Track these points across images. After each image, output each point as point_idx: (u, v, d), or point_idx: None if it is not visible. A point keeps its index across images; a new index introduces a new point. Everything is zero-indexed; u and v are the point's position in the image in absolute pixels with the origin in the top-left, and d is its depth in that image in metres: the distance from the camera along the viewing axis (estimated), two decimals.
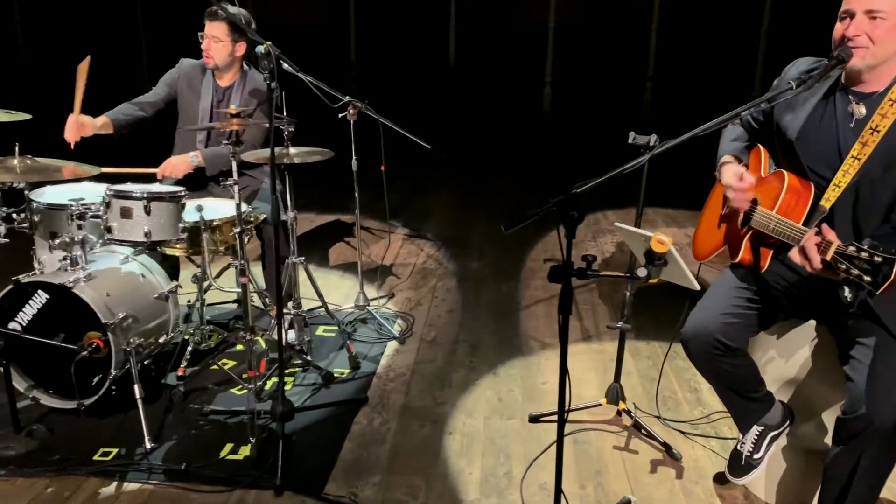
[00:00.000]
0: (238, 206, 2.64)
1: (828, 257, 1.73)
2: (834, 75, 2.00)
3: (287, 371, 3.15)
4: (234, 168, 2.62)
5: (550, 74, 10.76)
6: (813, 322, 2.25)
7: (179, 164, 3.24)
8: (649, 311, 3.85)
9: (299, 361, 3.13)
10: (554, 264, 1.90)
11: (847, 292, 1.80)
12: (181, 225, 2.77)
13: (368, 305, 3.69)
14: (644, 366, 3.33)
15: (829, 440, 2.17)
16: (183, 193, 2.76)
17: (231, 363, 3.18)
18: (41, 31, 10.83)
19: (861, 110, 1.96)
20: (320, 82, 3.30)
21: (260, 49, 3.22)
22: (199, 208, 2.77)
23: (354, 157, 3.49)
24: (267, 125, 3.56)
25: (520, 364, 3.33)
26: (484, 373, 3.23)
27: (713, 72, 9.99)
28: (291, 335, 3.16)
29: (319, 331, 3.54)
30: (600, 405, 2.88)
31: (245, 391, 2.84)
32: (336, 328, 3.55)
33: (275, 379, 3.09)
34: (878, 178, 1.93)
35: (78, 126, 3.11)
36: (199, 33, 3.19)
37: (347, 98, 3.36)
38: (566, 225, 1.84)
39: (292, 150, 2.97)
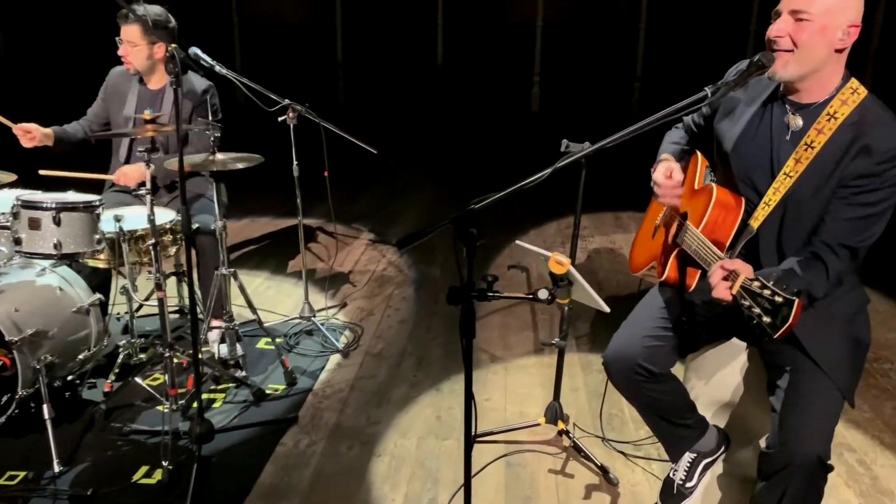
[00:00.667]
0: (151, 218, 2.50)
1: (734, 291, 1.59)
2: (770, 84, 1.86)
3: (219, 387, 3.02)
4: (148, 177, 2.49)
5: (539, 74, 10.60)
6: (743, 344, 2.12)
7: (132, 172, 3.11)
8: (606, 321, 3.71)
9: (229, 377, 2.99)
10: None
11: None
12: (96, 236, 2.64)
13: (314, 316, 3.55)
14: (594, 380, 3.19)
15: None
16: (97, 203, 2.63)
17: (161, 378, 3.05)
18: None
19: (797, 122, 1.82)
20: (256, 84, 3.17)
21: (195, 50, 3.14)
22: (118, 218, 2.64)
23: (296, 163, 3.35)
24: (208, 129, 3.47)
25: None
26: (426, 389, 3.10)
27: (702, 72, 9.79)
28: (223, 349, 3.03)
29: (260, 343, 3.41)
30: (539, 424, 2.75)
31: (168, 409, 2.71)
32: (279, 340, 3.44)
33: (204, 396, 2.96)
34: (806, 200, 1.79)
35: (23, 132, 3.04)
36: (117, 38, 3.05)
37: (286, 101, 3.23)
38: (465, 243, 1.71)
39: (219, 156, 2.83)
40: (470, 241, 1.70)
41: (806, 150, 1.78)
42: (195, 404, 2.82)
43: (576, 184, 2.66)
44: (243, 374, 3.05)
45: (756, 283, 1.53)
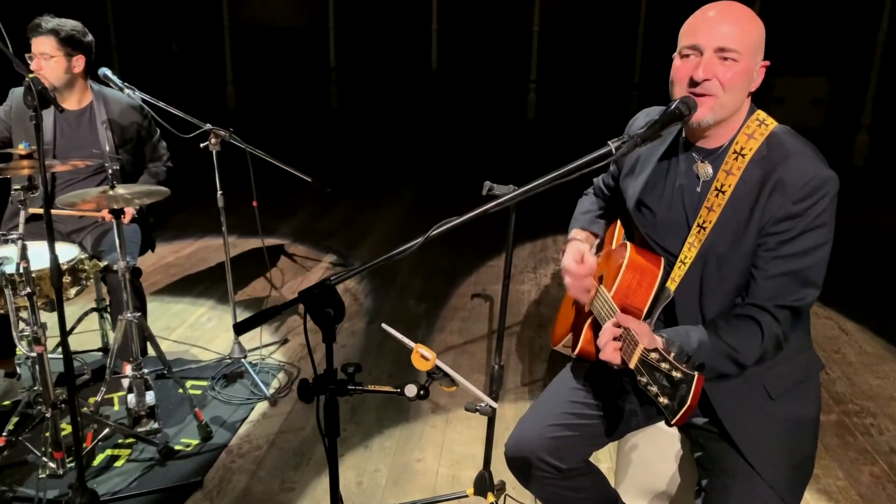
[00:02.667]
0: (25, 266, 2.23)
1: (631, 364, 1.29)
2: (670, 132, 1.57)
3: (126, 441, 2.75)
4: (22, 218, 2.22)
5: (535, 80, 10.30)
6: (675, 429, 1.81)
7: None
8: (561, 365, 3.42)
9: (127, 433, 2.72)
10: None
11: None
12: None
13: (245, 357, 3.27)
14: None
15: None
16: None
17: (68, 429, 2.78)
18: None
19: (707, 170, 1.55)
20: (175, 108, 2.90)
21: (105, 71, 2.88)
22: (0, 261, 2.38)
23: (220, 192, 3.08)
24: (157, 161, 3.24)
25: (399, 433, 2.90)
26: (354, 445, 2.81)
27: None
28: (131, 400, 2.76)
29: (188, 386, 3.13)
30: (466, 496, 2.46)
31: (50, 473, 2.44)
32: (206, 383, 3.17)
33: (108, 452, 2.70)
34: (725, 253, 1.51)
35: None
36: (26, 55, 2.79)
37: (207, 126, 2.95)
38: (320, 324, 1.42)
39: (120, 190, 2.56)
40: (326, 323, 1.41)
41: (717, 196, 1.51)
42: (96, 461, 2.59)
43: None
44: (155, 425, 2.78)
45: (654, 355, 1.24)
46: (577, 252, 1.73)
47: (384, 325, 1.51)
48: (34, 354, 2.40)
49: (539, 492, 1.75)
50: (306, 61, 10.99)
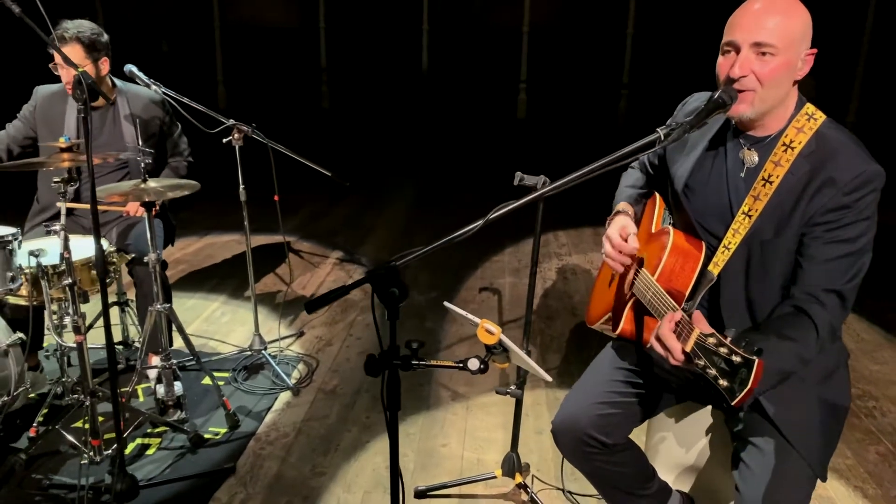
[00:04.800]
0: (66, 256, 2.28)
1: (687, 348, 1.38)
2: (720, 117, 1.66)
3: (155, 431, 2.81)
4: (63, 210, 2.27)
5: (525, 80, 10.40)
6: (709, 406, 1.91)
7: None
8: (577, 352, 3.52)
9: (160, 422, 2.78)
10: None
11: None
12: (10, 273, 2.42)
13: (265, 349, 3.33)
14: None
15: None
16: (10, 238, 2.41)
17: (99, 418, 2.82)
18: None
19: (753, 158, 1.63)
20: (199, 104, 2.96)
21: (131, 67, 2.92)
22: (35, 253, 2.43)
23: (242, 186, 3.13)
24: (179, 156, 3.28)
25: (422, 420, 2.98)
26: (378, 432, 2.88)
27: (688, 80, 9.63)
28: (160, 390, 2.81)
29: (206, 379, 3.19)
30: (495, 477, 2.54)
31: (89, 460, 2.49)
32: (227, 375, 3.23)
33: (139, 441, 2.75)
34: (770, 240, 1.59)
35: None
36: (51, 64, 2.81)
37: (231, 121, 3.01)
38: (386, 304, 1.50)
39: (151, 183, 2.61)
40: (391, 302, 1.48)
41: (764, 185, 1.59)
42: (128, 450, 2.64)
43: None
44: (183, 415, 2.83)
45: (711, 340, 1.32)
46: (624, 228, 1.80)
47: (446, 304, 1.58)
48: (73, 344, 2.45)
49: (585, 466, 1.84)
50: (297, 61, 10.99)
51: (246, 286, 4.29)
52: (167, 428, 2.80)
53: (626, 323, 1.79)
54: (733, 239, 1.61)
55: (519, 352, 1.45)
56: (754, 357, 1.24)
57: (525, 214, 2.36)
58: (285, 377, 3.20)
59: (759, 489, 1.54)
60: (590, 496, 2.51)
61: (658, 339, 1.46)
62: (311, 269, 4.65)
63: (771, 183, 1.57)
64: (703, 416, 1.94)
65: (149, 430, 2.81)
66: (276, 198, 3.20)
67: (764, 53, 1.52)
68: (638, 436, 1.95)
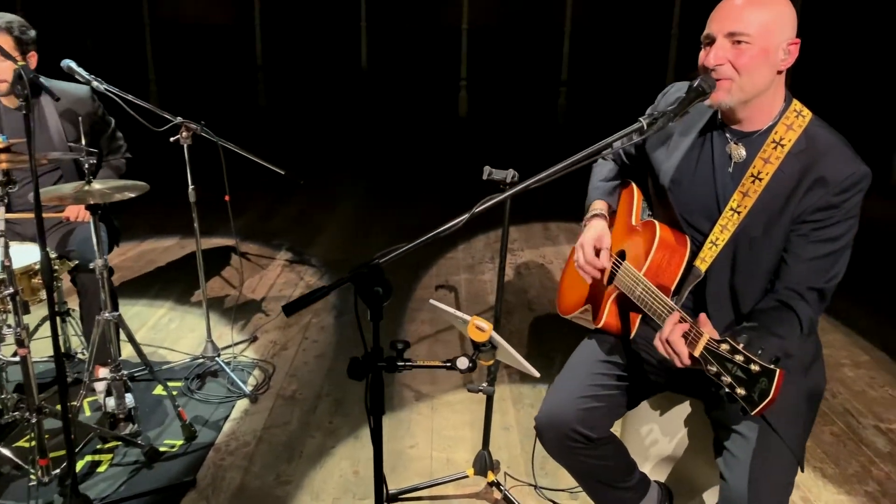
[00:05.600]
0: (7, 264, 2.13)
1: (696, 353, 1.37)
2: (706, 111, 1.66)
3: (106, 447, 2.66)
4: (1, 214, 2.12)
5: (466, 78, 10.40)
6: (685, 396, 1.92)
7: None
8: (537, 346, 3.52)
9: (112, 437, 2.63)
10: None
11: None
12: None
13: (219, 356, 3.21)
14: (526, 416, 2.97)
15: None
16: None
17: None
18: None
19: (741, 152, 1.63)
20: (143, 101, 2.81)
21: (69, 63, 2.76)
22: None
23: (192, 186, 3.00)
24: (116, 152, 3.10)
25: (387, 422, 2.91)
26: (343, 437, 2.81)
27: (625, 76, 9.84)
28: (110, 403, 2.66)
29: (158, 389, 3.04)
30: (467, 476, 2.50)
31: (37, 481, 2.33)
32: (180, 384, 3.09)
33: (88, 458, 2.60)
34: (758, 238, 1.60)
35: None
36: None
37: (179, 119, 2.88)
38: (369, 305, 1.44)
39: (96, 185, 2.47)
40: (375, 302, 1.43)
41: (753, 182, 1.59)
42: (79, 467, 2.48)
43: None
44: (135, 428, 2.69)
45: (724, 346, 1.31)
46: (598, 240, 1.81)
47: (432, 301, 1.53)
48: (11, 358, 2.29)
49: (568, 461, 1.81)
50: (232, 59, 10.72)
51: (192, 291, 4.14)
52: (119, 443, 2.65)
53: (608, 316, 1.78)
54: (721, 235, 1.61)
55: (508, 348, 1.42)
56: (775, 368, 1.23)
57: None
58: (241, 384, 3.08)
59: (744, 476, 1.55)
60: (561, 490, 2.51)
61: (666, 342, 1.45)
62: (260, 271, 4.51)
63: (760, 180, 1.58)
64: (680, 407, 1.95)
65: (99, 447, 2.66)
66: (226, 198, 3.08)
67: (739, 42, 1.53)
68: (614, 428, 1.95)
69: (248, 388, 3.07)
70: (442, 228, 1.45)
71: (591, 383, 1.76)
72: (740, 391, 1.26)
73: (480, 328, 1.38)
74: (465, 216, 1.45)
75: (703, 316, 1.43)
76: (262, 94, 10.73)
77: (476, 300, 4.12)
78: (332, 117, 10.20)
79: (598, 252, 1.82)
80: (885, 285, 4.53)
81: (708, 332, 1.37)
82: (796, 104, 1.62)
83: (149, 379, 3.04)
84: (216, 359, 3.18)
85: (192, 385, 3.09)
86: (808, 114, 1.61)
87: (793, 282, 1.58)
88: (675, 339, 1.43)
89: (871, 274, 4.55)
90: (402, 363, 1.49)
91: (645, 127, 1.47)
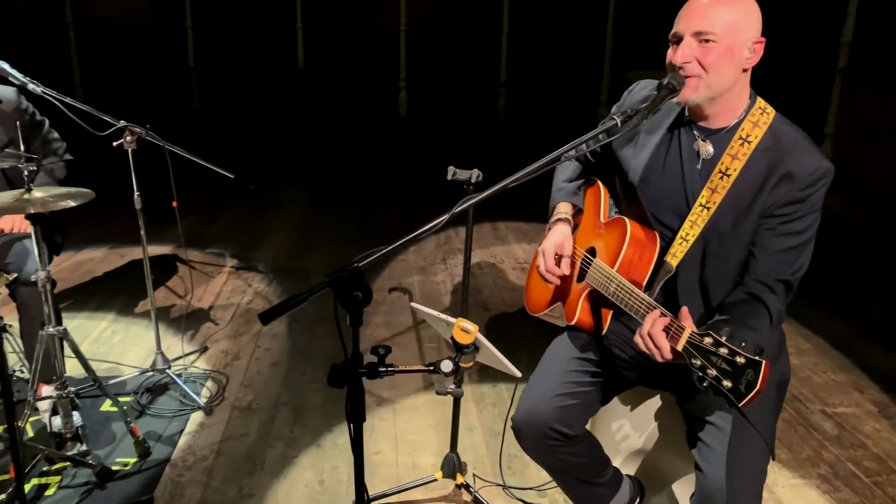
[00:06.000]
0: None
1: (679, 346, 1.39)
2: (674, 108, 1.69)
3: (54, 468, 2.52)
4: None
5: (405, 79, 10.37)
6: (656, 389, 1.95)
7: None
8: (500, 345, 3.51)
9: (59, 457, 2.50)
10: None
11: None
12: None
13: (169, 368, 3.09)
14: (489, 416, 2.97)
15: None
16: None
17: None
18: None
19: (708, 149, 1.66)
20: (85, 105, 2.68)
21: (2, 65, 2.62)
22: None
23: (137, 192, 2.88)
24: (52, 155, 2.94)
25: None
26: (305, 445, 2.74)
27: (563, 76, 10.00)
28: (56, 422, 2.52)
29: (106, 405, 2.91)
30: (435, 480, 2.48)
31: None
32: (129, 399, 2.96)
33: (35, 481, 2.46)
34: (727, 233, 1.63)
35: None
36: None
37: (122, 123, 2.76)
38: (348, 309, 1.40)
39: (36, 193, 2.33)
40: (354, 307, 1.39)
41: (721, 178, 1.63)
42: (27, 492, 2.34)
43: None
44: (83, 447, 2.56)
45: (708, 339, 1.33)
46: (560, 247, 1.83)
47: (413, 304, 1.49)
48: None
49: (546, 459, 1.81)
50: (162, 61, 10.40)
51: (135, 302, 3.98)
52: (67, 463, 2.52)
53: (581, 313, 1.79)
54: (691, 231, 1.64)
55: (492, 348, 1.40)
56: (760, 359, 1.25)
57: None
58: (195, 396, 2.97)
59: (721, 466, 1.58)
60: (529, 489, 2.51)
61: (646, 336, 1.46)
62: (206, 279, 4.37)
63: (728, 176, 1.61)
64: (650, 401, 1.97)
65: (45, 469, 2.52)
66: (174, 204, 2.97)
67: (707, 41, 1.55)
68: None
69: (202, 401, 2.96)
70: (420, 231, 1.43)
71: (567, 381, 1.77)
72: (727, 383, 1.28)
73: (466, 330, 1.36)
74: (445, 217, 1.43)
75: (684, 310, 1.45)
76: (196, 95, 10.44)
77: (429, 302, 4.10)
78: (268, 119, 10.01)
79: (559, 260, 1.84)
80: (818, 274, 4.72)
81: (689, 325, 1.39)
82: (760, 101, 1.66)
83: (96, 395, 2.91)
84: (167, 371, 3.06)
85: (143, 399, 2.97)
86: (771, 111, 1.65)
87: (762, 274, 1.62)
88: (656, 333, 1.44)
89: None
90: (384, 369, 1.45)
91: (619, 124, 1.48)
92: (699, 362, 1.33)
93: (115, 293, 4.05)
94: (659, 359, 1.46)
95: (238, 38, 10.43)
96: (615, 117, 1.49)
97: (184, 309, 3.88)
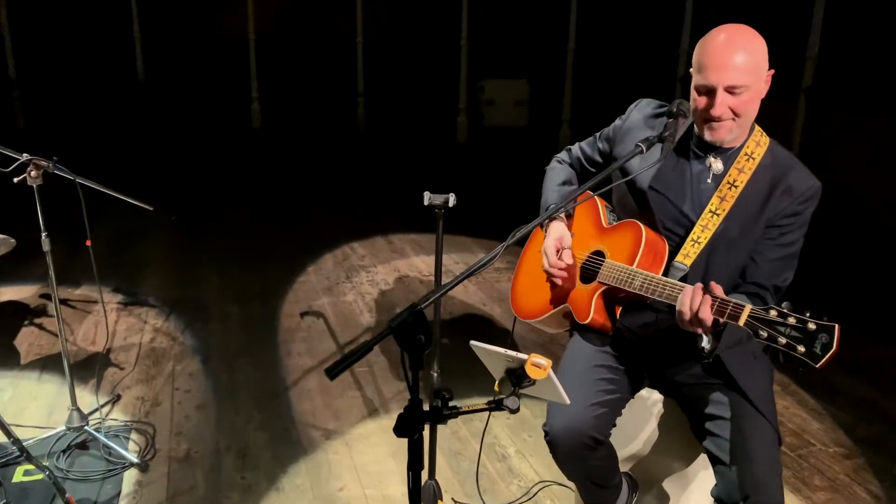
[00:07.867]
0: None
1: (741, 322, 1.47)
2: (684, 125, 1.80)
3: None
4: None
5: (257, 90, 10.01)
6: (658, 395, 2.06)
7: None
8: (459, 362, 3.50)
9: None
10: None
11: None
12: None
13: (87, 424, 2.77)
14: (444, 434, 2.94)
15: None
16: None
17: None
18: None
19: (718, 166, 1.81)
20: None
21: None
22: None
23: (45, 234, 2.56)
24: None
25: (305, 467, 2.73)
26: (264, 490, 2.57)
27: (421, 86, 10.13)
28: None
29: (18, 475, 2.56)
30: None
31: None
32: (46, 464, 2.61)
33: None
34: (735, 238, 1.78)
35: None
36: None
37: (25, 156, 2.44)
38: (410, 353, 1.34)
39: None
40: (417, 351, 1.33)
41: (730, 188, 1.78)
42: None
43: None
44: None
45: (773, 312, 1.43)
46: (559, 241, 1.90)
47: (473, 343, 1.44)
48: None
49: (575, 468, 1.88)
50: None
51: (13, 355, 3.52)
52: None
53: (595, 312, 1.86)
54: (703, 234, 1.77)
55: (557, 384, 1.39)
56: (833, 323, 1.36)
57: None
58: (124, 452, 2.69)
59: (746, 460, 1.70)
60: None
61: (695, 321, 1.55)
62: (90, 318, 3.96)
63: (736, 187, 1.76)
64: (645, 398, 2.07)
65: None
66: (88, 243, 2.66)
67: (739, 93, 1.67)
68: None
69: (132, 456, 2.68)
70: (478, 263, 1.41)
71: (597, 389, 1.85)
72: (801, 348, 1.38)
73: (539, 365, 1.35)
74: (501, 246, 1.42)
75: (712, 284, 1.56)
76: (20, 113, 9.44)
77: (347, 324, 3.99)
78: (106, 135, 9.28)
79: (560, 252, 1.90)
80: None
81: (748, 304, 1.48)
82: (757, 126, 1.82)
83: (4, 464, 2.54)
84: (85, 428, 2.74)
85: (61, 463, 2.64)
86: (766, 136, 1.82)
87: (761, 278, 1.78)
88: (704, 314, 1.54)
89: None
90: (448, 412, 1.41)
91: (644, 149, 1.57)
92: (766, 333, 1.43)
93: None
94: (700, 331, 1.57)
95: (67, 45, 9.56)
96: (640, 144, 1.59)
97: (79, 355, 3.49)
